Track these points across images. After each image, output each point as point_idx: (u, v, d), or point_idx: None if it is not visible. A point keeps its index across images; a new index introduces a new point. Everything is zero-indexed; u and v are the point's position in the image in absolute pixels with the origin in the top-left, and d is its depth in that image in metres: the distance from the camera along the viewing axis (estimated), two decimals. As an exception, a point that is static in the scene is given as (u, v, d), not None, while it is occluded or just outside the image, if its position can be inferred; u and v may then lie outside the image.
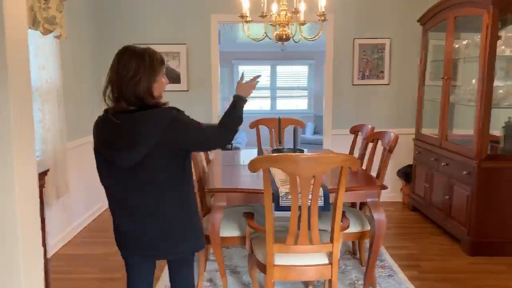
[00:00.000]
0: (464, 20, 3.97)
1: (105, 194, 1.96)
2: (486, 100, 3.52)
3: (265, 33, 3.37)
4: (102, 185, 1.93)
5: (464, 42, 4.10)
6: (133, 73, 1.78)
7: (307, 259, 2.38)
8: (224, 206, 2.75)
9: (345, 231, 2.70)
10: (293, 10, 3.26)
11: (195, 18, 5.05)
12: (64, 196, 3.86)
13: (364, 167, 3.39)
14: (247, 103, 2.09)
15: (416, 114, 4.91)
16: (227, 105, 2.08)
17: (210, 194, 3.21)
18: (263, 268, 2.40)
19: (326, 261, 2.38)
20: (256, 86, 2.19)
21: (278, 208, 2.53)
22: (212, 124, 2.02)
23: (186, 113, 1.88)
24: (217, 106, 5.18)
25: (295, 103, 10.13)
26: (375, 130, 3.53)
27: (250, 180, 3.00)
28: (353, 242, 3.67)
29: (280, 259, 2.36)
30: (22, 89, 1.71)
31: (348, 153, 3.55)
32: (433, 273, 3.35)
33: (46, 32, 3.41)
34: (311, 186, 2.19)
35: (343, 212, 2.47)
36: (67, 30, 3.79)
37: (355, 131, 3.88)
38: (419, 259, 3.62)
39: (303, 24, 3.30)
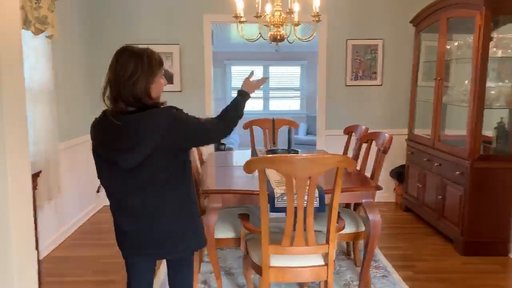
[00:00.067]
0: (456, 21, 4.00)
1: (96, 196, 1.95)
2: (479, 100, 3.54)
3: (260, 33, 3.36)
4: (102, 185, 1.92)
5: (456, 43, 4.13)
6: (131, 73, 1.77)
7: (303, 260, 2.37)
8: (219, 208, 2.73)
9: (340, 232, 2.70)
10: (288, 11, 3.25)
11: (188, 18, 5.03)
12: (56, 198, 3.82)
13: (358, 167, 3.40)
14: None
15: (408, 114, 4.94)
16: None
17: (203, 195, 3.20)
18: (258, 269, 2.39)
19: (322, 262, 2.37)
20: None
21: (273, 209, 2.53)
22: (210, 119, 2.04)
23: None
24: (210, 107, 5.16)
25: (287, 104, 10.14)
26: (368, 131, 3.54)
27: (244, 181, 2.99)
28: (347, 243, 3.67)
29: (276, 261, 2.35)
30: (16, 90, 1.68)
31: (342, 154, 3.55)
32: (427, 273, 3.37)
33: (37, 32, 3.37)
34: (307, 187, 2.19)
35: (338, 213, 2.47)
36: (58, 30, 3.75)
37: (349, 131, 3.88)
38: (413, 259, 3.63)
39: (297, 24, 3.30)
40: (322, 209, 2.55)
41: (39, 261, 2.63)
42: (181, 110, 1.86)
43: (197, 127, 1.88)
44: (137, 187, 1.83)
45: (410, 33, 4.87)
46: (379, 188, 2.80)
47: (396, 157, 5.04)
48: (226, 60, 9.63)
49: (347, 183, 2.85)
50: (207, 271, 3.31)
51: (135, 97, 1.79)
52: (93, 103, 4.71)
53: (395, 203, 5.24)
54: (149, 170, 1.80)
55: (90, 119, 1.92)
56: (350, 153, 3.66)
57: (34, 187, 2.72)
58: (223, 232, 2.91)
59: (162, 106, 1.84)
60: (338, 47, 5.14)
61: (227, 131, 2.02)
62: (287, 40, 3.37)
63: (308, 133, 9.48)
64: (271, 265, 2.33)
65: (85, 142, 4.46)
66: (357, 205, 3.38)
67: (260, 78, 2.32)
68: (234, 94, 10.52)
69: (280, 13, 3.21)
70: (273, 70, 9.94)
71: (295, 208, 2.21)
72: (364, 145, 3.38)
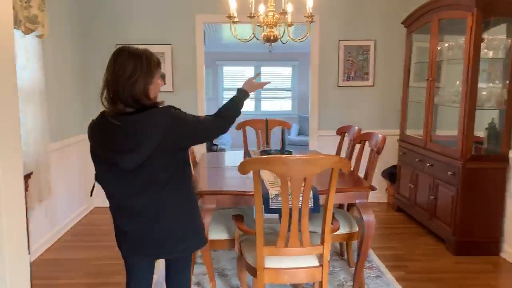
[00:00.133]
0: (448, 23, 4.03)
1: (88, 197, 1.95)
2: (471, 101, 3.57)
3: (253, 33, 3.35)
4: (101, 185, 1.90)
5: (447, 44, 4.16)
6: (130, 73, 1.76)
7: (297, 261, 2.36)
8: (213, 209, 2.72)
9: (334, 233, 2.70)
10: (281, 11, 3.25)
11: (180, 18, 5.00)
12: (47, 199, 3.77)
13: (351, 168, 3.40)
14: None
15: (400, 115, 4.96)
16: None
17: (197, 196, 3.18)
18: (253, 271, 2.38)
19: (317, 263, 2.37)
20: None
21: (268, 210, 2.52)
22: (209, 116, 2.05)
23: None
24: (203, 107, 5.14)
25: (279, 104, 10.15)
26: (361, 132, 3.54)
27: (237, 182, 2.98)
28: (340, 244, 3.68)
29: (270, 262, 2.34)
30: (8, 90, 1.65)
31: (335, 154, 3.55)
32: (419, 273, 3.38)
33: (27, 31, 3.33)
34: (302, 188, 2.18)
35: (332, 214, 2.46)
36: (49, 30, 3.71)
37: (341, 132, 3.89)
38: (406, 259, 3.65)
39: (290, 25, 3.29)
40: (317, 210, 2.55)
41: (29, 264, 2.59)
42: (179, 109, 1.86)
43: (196, 125, 1.89)
44: (137, 188, 1.82)
45: (402, 34, 4.89)
46: (373, 188, 2.81)
47: (388, 157, 5.06)
48: (217, 60, 9.60)
49: (341, 184, 2.85)
50: (201, 272, 3.29)
51: (134, 97, 1.77)
52: (84, 103, 4.67)
53: (387, 203, 5.26)
54: (149, 171, 1.79)
55: (81, 120, 1.90)
56: (343, 154, 3.67)
57: (25, 189, 2.68)
58: (217, 233, 2.90)
59: (160, 106, 1.84)
60: (330, 47, 5.15)
61: (225, 128, 2.05)
62: (281, 40, 3.37)
63: (300, 133, 9.50)
64: (266, 266, 2.32)
65: (77, 143, 4.41)
66: (350, 206, 3.38)
67: (261, 81, 2.38)
68: (226, 94, 10.39)
69: (274, 14, 3.20)
70: (265, 70, 9.93)
71: (290, 209, 2.20)
72: (357, 146, 3.39)
